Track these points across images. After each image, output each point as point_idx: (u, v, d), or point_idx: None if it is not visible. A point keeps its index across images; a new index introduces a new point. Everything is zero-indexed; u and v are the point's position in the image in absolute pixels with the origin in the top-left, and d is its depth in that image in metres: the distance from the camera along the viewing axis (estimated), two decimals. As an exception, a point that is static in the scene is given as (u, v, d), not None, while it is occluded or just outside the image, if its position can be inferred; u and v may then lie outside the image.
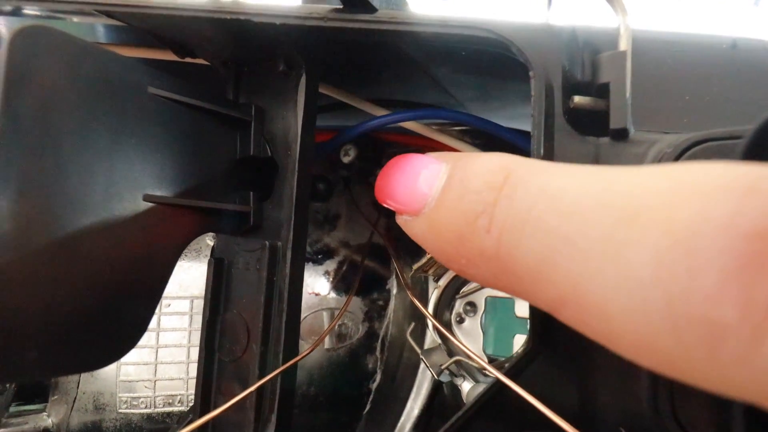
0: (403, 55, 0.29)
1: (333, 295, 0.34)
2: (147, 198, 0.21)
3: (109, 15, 0.22)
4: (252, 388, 0.21)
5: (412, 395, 0.34)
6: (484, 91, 0.40)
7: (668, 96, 0.25)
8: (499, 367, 0.28)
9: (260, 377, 0.22)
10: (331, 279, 0.34)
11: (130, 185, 0.20)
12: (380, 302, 0.34)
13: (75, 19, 0.27)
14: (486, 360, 0.29)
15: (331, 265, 0.34)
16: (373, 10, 0.22)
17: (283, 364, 0.23)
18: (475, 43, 0.23)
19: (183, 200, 0.22)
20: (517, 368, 0.20)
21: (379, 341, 0.34)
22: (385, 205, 0.19)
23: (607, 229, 0.12)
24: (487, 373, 0.28)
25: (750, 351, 0.09)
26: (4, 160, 0.16)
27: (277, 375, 0.22)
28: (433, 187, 0.17)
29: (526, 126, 0.44)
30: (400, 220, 0.18)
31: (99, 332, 0.19)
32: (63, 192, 0.18)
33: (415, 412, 0.34)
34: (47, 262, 0.17)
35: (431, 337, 0.33)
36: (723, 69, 0.25)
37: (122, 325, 0.19)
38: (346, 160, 0.35)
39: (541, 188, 0.14)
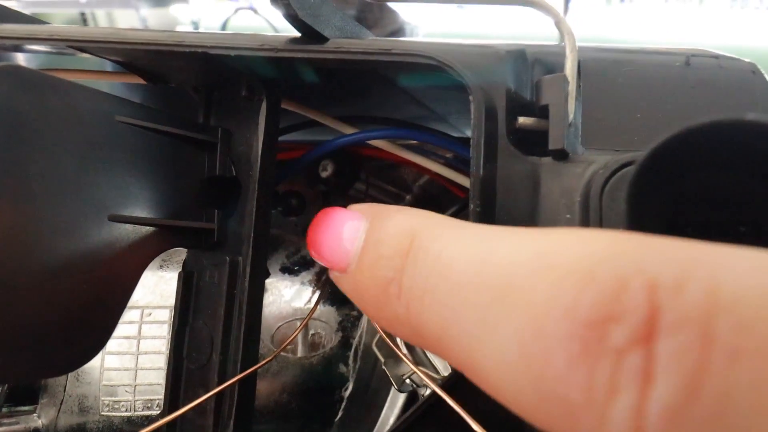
0: (375, 74, 0.30)
1: (309, 305, 0.35)
2: (112, 218, 0.22)
3: (82, 50, 0.24)
4: (208, 395, 0.23)
5: (387, 404, 0.35)
6: (466, 105, 0.41)
7: (619, 114, 0.25)
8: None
9: (219, 384, 0.24)
10: (307, 290, 0.35)
11: (97, 207, 0.22)
12: (354, 312, 0.35)
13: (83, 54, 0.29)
14: (449, 371, 0.30)
15: (307, 276, 0.35)
16: (324, 40, 0.24)
17: (240, 372, 0.24)
18: (420, 68, 0.24)
19: (147, 218, 0.23)
20: (452, 381, 0.21)
21: (353, 351, 0.35)
22: (316, 260, 0.19)
23: (484, 303, 0.12)
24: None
25: (599, 430, 0.10)
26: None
27: (234, 383, 0.24)
28: (354, 245, 0.17)
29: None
30: (332, 275, 0.19)
31: (64, 341, 0.20)
32: (32, 213, 0.20)
33: (391, 420, 0.35)
34: (14, 271, 0.19)
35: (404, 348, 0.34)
36: (676, 86, 0.26)
37: (87, 333, 0.21)
38: (324, 174, 0.37)
39: (436, 257, 0.14)
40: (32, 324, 0.19)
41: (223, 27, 2.32)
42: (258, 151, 0.26)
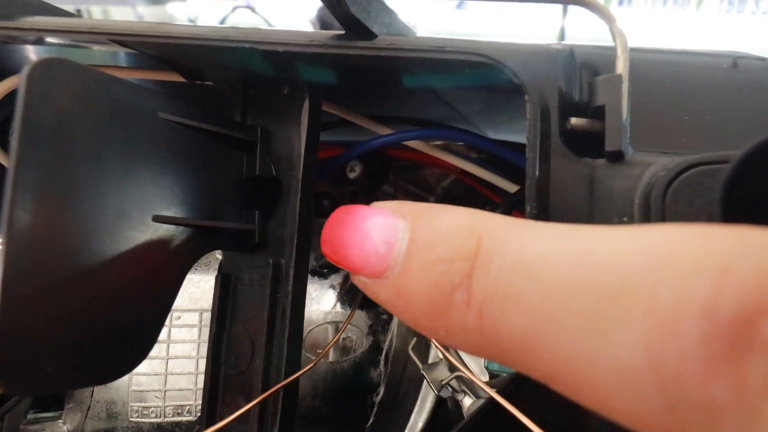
0: (407, 74, 0.30)
1: (338, 308, 0.34)
2: (156, 219, 0.22)
3: (122, 44, 0.23)
4: (254, 402, 0.22)
5: (416, 409, 0.34)
6: (490, 106, 0.41)
7: (667, 116, 0.25)
8: (500, 382, 0.28)
9: (263, 391, 0.23)
10: (336, 293, 0.35)
11: (140, 207, 0.21)
12: (384, 316, 0.35)
13: (95, 47, 0.28)
14: (488, 376, 0.29)
15: (336, 279, 0.35)
16: (372, 36, 0.23)
17: (285, 378, 0.23)
18: (472, 66, 0.23)
19: (190, 220, 0.23)
20: (511, 387, 0.20)
21: (383, 355, 0.34)
22: (335, 263, 0.17)
23: (590, 307, 0.11)
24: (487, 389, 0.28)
25: (748, 429, 0.09)
26: (23, 182, 0.17)
27: (279, 389, 0.23)
28: (394, 249, 0.15)
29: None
30: (358, 281, 0.17)
31: (110, 347, 0.20)
32: (77, 213, 0.19)
33: (419, 425, 0.35)
34: (62, 276, 0.18)
35: (434, 352, 0.34)
36: (723, 89, 0.25)
37: (133, 339, 0.20)
38: (351, 175, 0.36)
39: (517, 258, 0.13)
40: (79, 328, 0.19)
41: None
42: (301, 150, 0.25)
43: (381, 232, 0.16)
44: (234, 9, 2.41)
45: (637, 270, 0.11)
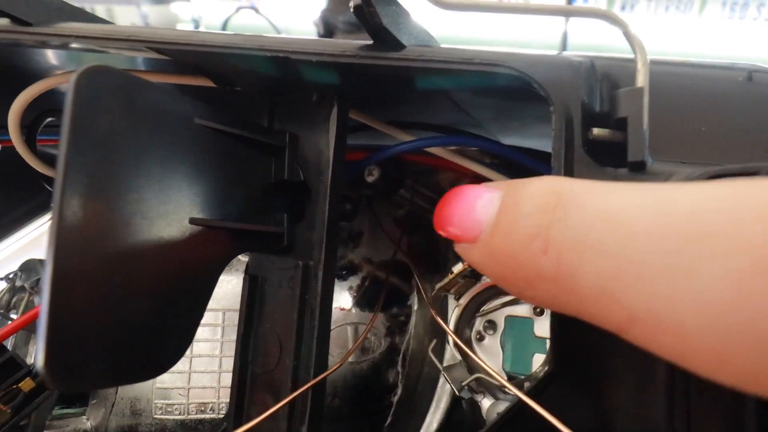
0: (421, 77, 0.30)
1: (356, 310, 0.35)
2: (192, 221, 0.22)
3: (158, 51, 0.24)
4: (286, 400, 0.23)
5: (432, 409, 0.35)
6: (503, 112, 0.41)
7: (684, 127, 0.26)
8: (518, 385, 0.29)
9: (293, 390, 0.24)
10: (354, 294, 0.35)
11: (178, 209, 0.22)
12: (401, 318, 0.35)
13: (112, 51, 0.29)
14: (506, 378, 0.30)
15: (354, 281, 0.35)
16: (401, 47, 0.24)
17: (314, 378, 0.24)
18: (498, 78, 0.24)
19: (224, 223, 0.23)
20: (538, 388, 0.21)
21: (401, 356, 0.35)
22: (443, 234, 0.19)
23: (676, 248, 0.12)
24: (506, 391, 0.29)
25: None
26: (71, 182, 0.18)
27: (308, 388, 0.24)
28: (487, 214, 0.17)
29: (543, 145, 0.45)
30: (459, 248, 0.18)
31: (151, 344, 0.20)
32: (121, 212, 0.20)
33: (434, 426, 0.35)
34: (107, 274, 0.19)
35: (450, 354, 0.35)
36: (738, 102, 0.26)
37: (171, 337, 0.21)
38: (369, 179, 0.37)
39: (598, 209, 0.14)
40: (123, 325, 0.19)
41: (224, 26, 2.32)
42: (329, 156, 0.26)
43: (481, 203, 0.17)
44: (237, 9, 2.41)
45: (723, 211, 0.12)
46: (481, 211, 0.17)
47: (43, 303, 0.17)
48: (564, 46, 1.93)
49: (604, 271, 0.13)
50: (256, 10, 2.41)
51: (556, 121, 0.23)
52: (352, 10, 0.22)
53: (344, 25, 1.79)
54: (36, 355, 0.17)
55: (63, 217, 0.17)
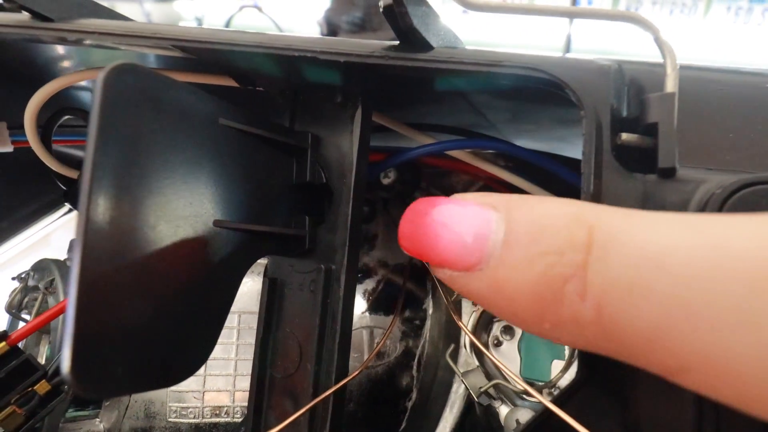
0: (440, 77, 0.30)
1: (370, 313, 0.35)
2: (216, 223, 0.22)
3: (183, 50, 0.24)
4: (309, 406, 0.22)
5: (445, 414, 0.35)
6: (519, 114, 0.41)
7: (712, 133, 0.26)
8: (538, 391, 0.29)
9: (314, 395, 0.23)
10: (369, 298, 0.35)
11: (202, 210, 0.22)
12: (417, 322, 0.35)
13: (123, 47, 0.28)
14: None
15: (369, 284, 0.35)
16: (429, 48, 0.24)
17: (335, 383, 0.24)
18: (527, 81, 0.24)
19: (249, 225, 0.23)
20: (564, 396, 0.21)
21: (416, 360, 0.34)
22: (414, 257, 0.17)
23: (736, 298, 0.11)
24: (525, 397, 0.29)
25: None
26: (98, 183, 0.17)
27: (330, 393, 0.23)
28: (488, 240, 0.15)
29: (555, 148, 0.45)
30: (443, 274, 0.16)
31: (175, 349, 0.20)
32: (147, 214, 0.19)
33: (447, 430, 0.35)
34: (133, 277, 0.18)
35: (464, 359, 0.34)
36: (766, 109, 0.26)
37: (196, 341, 0.21)
38: (385, 182, 0.36)
39: (641, 247, 0.13)
40: (148, 329, 0.19)
41: (227, 24, 2.31)
42: (353, 158, 0.25)
43: (470, 224, 0.15)
44: (241, 8, 2.41)
45: None
46: (478, 235, 0.15)
47: (69, 306, 0.16)
48: (567, 48, 1.93)
49: (654, 318, 0.12)
50: (260, 9, 2.41)
51: (586, 125, 0.22)
52: (381, 10, 0.22)
53: (347, 25, 1.79)
54: (61, 361, 0.16)
55: (90, 219, 0.17)
